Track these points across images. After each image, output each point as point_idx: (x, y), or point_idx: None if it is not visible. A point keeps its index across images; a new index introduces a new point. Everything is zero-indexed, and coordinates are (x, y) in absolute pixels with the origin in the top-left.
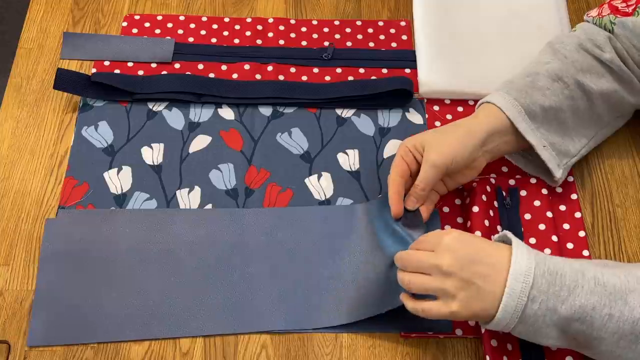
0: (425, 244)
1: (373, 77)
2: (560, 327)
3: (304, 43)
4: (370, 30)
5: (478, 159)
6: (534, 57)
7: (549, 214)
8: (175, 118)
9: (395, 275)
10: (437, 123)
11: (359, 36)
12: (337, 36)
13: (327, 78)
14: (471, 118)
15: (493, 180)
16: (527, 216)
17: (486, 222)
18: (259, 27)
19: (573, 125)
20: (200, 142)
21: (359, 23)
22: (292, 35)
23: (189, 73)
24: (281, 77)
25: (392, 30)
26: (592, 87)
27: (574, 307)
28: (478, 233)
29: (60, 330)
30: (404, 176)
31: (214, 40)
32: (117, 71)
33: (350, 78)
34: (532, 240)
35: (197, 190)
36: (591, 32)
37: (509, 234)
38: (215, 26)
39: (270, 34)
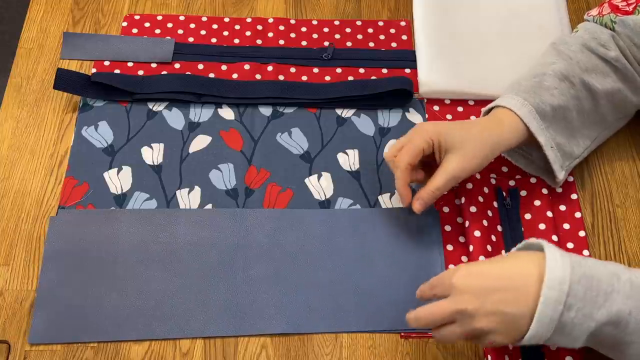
0: (437, 289)
1: (373, 77)
2: (592, 332)
3: (304, 43)
4: (370, 30)
5: None
6: (538, 58)
7: (549, 214)
8: (175, 118)
9: (397, 289)
10: None
11: (359, 36)
12: (337, 36)
13: (327, 78)
14: (497, 127)
15: (493, 181)
16: (527, 216)
17: (485, 222)
18: (259, 27)
19: (578, 126)
20: (200, 142)
21: (359, 23)
22: (292, 35)
23: (189, 73)
24: (281, 77)
25: (392, 30)
26: (597, 87)
27: (610, 313)
28: (477, 233)
29: (61, 328)
30: (414, 163)
31: (214, 40)
32: (117, 71)
33: (350, 78)
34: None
35: (197, 190)
36: (594, 30)
37: (539, 240)
38: (215, 26)
39: (270, 34)
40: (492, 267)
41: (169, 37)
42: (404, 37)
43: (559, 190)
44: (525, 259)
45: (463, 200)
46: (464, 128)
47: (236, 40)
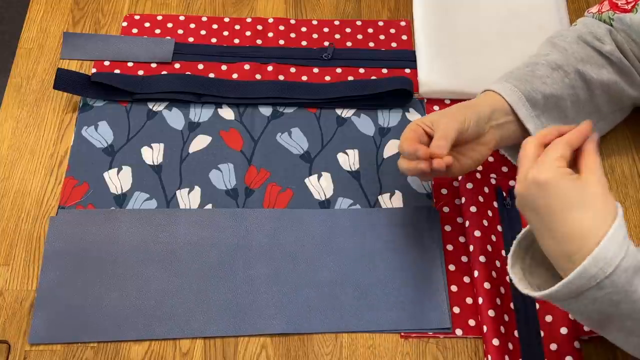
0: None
1: (373, 77)
2: (606, 315)
3: (304, 43)
4: (370, 30)
5: (487, 133)
6: (533, 52)
7: None
8: (175, 118)
9: (397, 289)
10: None
11: (359, 36)
12: (337, 36)
13: (327, 78)
14: (472, 100)
15: (493, 181)
16: None
17: (485, 222)
18: (259, 27)
19: (573, 116)
20: (200, 142)
21: (359, 23)
22: (292, 35)
23: (189, 73)
24: (281, 77)
25: (392, 30)
26: (592, 77)
27: (636, 309)
28: (477, 233)
29: (61, 328)
30: (414, 138)
31: (214, 40)
32: (117, 71)
33: (350, 78)
34: None
35: (197, 190)
36: (591, 24)
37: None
38: (215, 26)
39: (270, 34)
40: (564, 192)
41: (169, 37)
42: (404, 37)
43: None
44: (601, 214)
45: (463, 200)
46: (442, 110)
47: (236, 40)
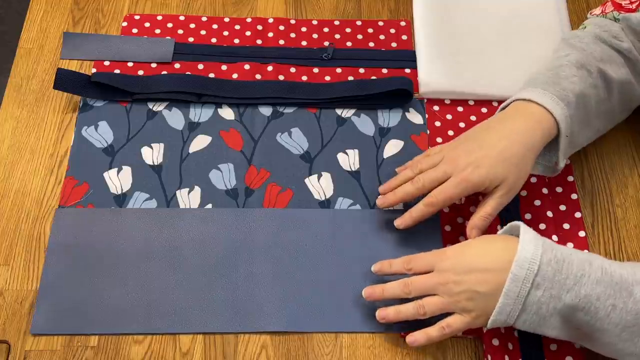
0: (422, 263)
1: (373, 77)
2: (563, 316)
3: (304, 43)
4: (370, 30)
5: None
6: (551, 55)
7: (549, 214)
8: (175, 118)
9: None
10: (437, 123)
11: (359, 36)
12: (337, 36)
13: (327, 78)
14: (524, 126)
15: None
16: (528, 216)
17: None
18: (259, 27)
19: (594, 116)
20: (200, 142)
21: (359, 23)
22: (292, 35)
23: (189, 73)
24: (281, 77)
25: (392, 30)
26: (612, 76)
27: (579, 296)
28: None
29: (63, 320)
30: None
31: (214, 40)
32: (117, 71)
33: (350, 78)
34: None
35: (197, 190)
36: (604, 24)
37: (519, 222)
38: (215, 26)
39: (270, 34)
40: (476, 246)
41: (169, 37)
42: (404, 37)
43: (559, 190)
44: (508, 241)
45: (463, 200)
46: (495, 152)
47: (236, 40)
